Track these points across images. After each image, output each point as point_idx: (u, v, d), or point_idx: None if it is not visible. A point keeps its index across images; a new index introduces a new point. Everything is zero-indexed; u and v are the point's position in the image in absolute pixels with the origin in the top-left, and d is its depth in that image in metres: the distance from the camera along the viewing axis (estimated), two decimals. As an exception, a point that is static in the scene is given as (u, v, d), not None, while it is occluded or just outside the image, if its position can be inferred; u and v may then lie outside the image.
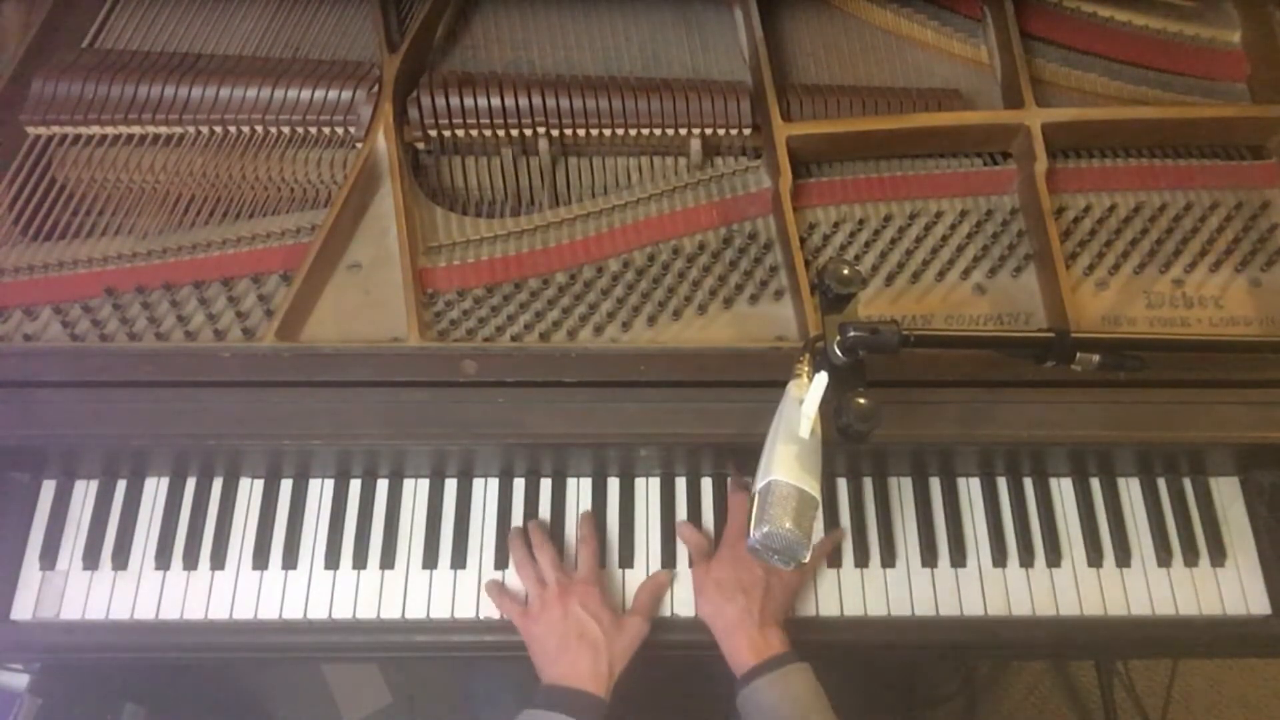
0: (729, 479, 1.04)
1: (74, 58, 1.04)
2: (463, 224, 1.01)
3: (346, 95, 1.02)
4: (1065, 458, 1.02)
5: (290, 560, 0.99)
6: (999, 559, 1.01)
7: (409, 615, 0.98)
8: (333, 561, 0.99)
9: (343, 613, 0.97)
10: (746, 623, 0.91)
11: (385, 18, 1.06)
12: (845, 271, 0.76)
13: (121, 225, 1.01)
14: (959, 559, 1.01)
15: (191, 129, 1.02)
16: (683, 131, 1.04)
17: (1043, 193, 0.99)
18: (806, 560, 0.69)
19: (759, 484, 0.69)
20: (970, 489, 1.04)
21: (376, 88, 1.02)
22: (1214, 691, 1.79)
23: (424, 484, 1.02)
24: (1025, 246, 1.01)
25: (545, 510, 1.02)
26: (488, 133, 1.03)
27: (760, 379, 0.88)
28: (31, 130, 1.02)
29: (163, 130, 1.02)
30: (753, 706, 0.87)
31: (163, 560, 0.98)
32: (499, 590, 0.98)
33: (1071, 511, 1.03)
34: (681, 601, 0.99)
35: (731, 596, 0.93)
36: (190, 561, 0.98)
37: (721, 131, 1.04)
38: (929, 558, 1.01)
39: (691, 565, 1.00)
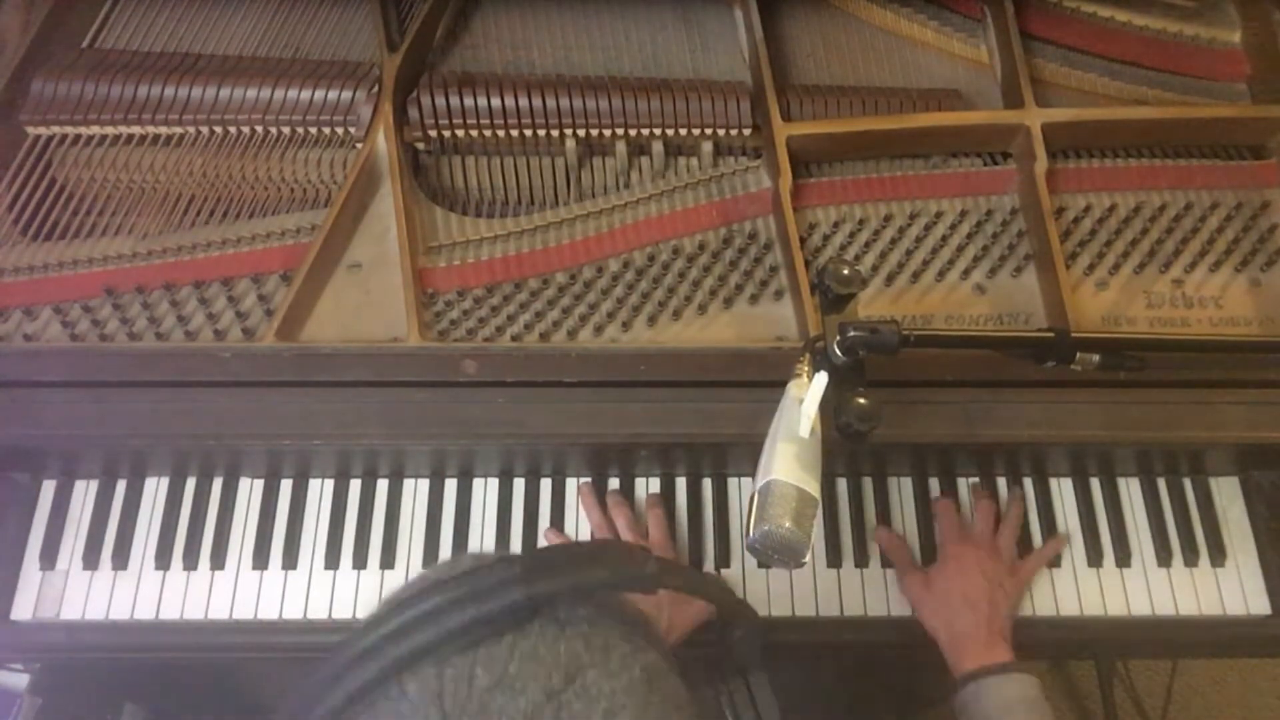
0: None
1: (74, 58, 1.04)
2: (463, 224, 1.01)
3: (346, 95, 1.02)
4: (1065, 458, 1.02)
5: (290, 560, 0.99)
6: (999, 559, 1.01)
7: (409, 615, 0.97)
8: (333, 561, 0.99)
9: (343, 613, 0.97)
10: (976, 636, 0.89)
11: (385, 18, 1.06)
12: (845, 271, 0.76)
13: (121, 225, 1.01)
14: (959, 559, 1.00)
15: (191, 129, 1.02)
16: (683, 131, 1.04)
17: (1043, 193, 0.99)
18: (806, 560, 0.69)
19: (759, 483, 0.69)
20: (970, 489, 1.04)
21: (376, 88, 1.02)
22: (1214, 691, 1.79)
23: (424, 484, 1.02)
24: (1025, 246, 1.01)
25: (545, 510, 1.02)
26: (487, 133, 1.03)
27: (760, 379, 0.88)
28: (31, 130, 1.02)
29: (163, 130, 1.02)
30: (973, 707, 0.86)
31: (163, 560, 0.98)
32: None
33: (1071, 511, 1.03)
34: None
35: (959, 611, 0.91)
36: (190, 561, 0.98)
37: (721, 131, 1.04)
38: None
39: (897, 573, 0.98)
